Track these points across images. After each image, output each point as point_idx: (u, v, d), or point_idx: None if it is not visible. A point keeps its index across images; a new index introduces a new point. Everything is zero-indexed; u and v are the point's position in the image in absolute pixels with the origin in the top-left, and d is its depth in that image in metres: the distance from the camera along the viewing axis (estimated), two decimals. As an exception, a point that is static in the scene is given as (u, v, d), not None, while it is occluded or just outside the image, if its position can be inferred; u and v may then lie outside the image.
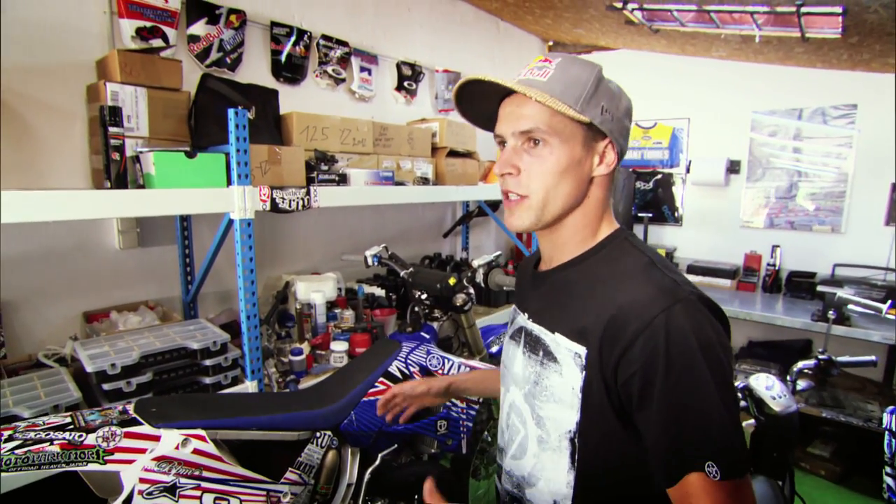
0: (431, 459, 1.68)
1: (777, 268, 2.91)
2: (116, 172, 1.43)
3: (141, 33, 1.78)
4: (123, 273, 1.86)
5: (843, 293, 1.65)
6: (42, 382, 1.35)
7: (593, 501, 0.76)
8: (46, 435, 0.93)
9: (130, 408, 1.08)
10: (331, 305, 2.11)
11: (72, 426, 0.97)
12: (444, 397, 1.26)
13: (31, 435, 0.93)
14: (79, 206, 1.21)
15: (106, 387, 1.34)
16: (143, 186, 1.49)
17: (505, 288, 1.54)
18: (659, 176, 3.66)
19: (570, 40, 3.80)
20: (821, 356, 1.49)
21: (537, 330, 0.80)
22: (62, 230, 1.69)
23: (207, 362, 1.50)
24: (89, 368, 1.33)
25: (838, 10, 1.99)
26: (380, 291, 2.41)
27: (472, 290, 1.66)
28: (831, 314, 2.10)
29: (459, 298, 1.65)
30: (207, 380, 1.51)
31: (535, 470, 0.80)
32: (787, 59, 2.82)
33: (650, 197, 3.70)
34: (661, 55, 3.51)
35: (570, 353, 0.73)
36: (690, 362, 0.64)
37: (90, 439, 0.95)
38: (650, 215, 3.54)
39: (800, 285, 2.88)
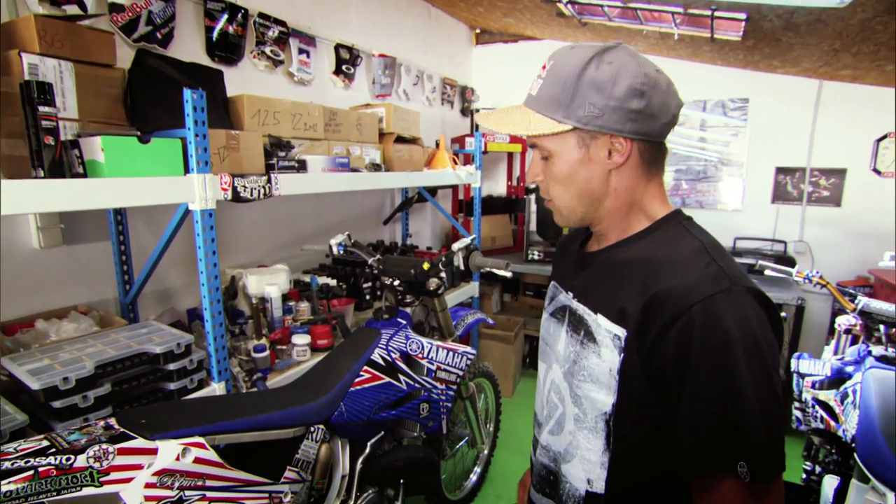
0: (411, 443, 1.70)
1: (690, 242, 3.31)
2: (52, 159, 1.24)
3: (51, -3, 1.54)
4: (45, 276, 1.62)
5: (761, 261, 1.94)
6: (-31, 409, 1.16)
7: (627, 485, 0.75)
8: (26, 463, 0.81)
9: (114, 422, 0.98)
10: (284, 299, 2.02)
11: (53, 449, 0.86)
12: None
13: (7, 465, 0.80)
14: (19, 198, 1.04)
15: (57, 404, 1.18)
16: (82, 175, 1.31)
17: (486, 269, 1.58)
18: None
19: (499, 28, 3.90)
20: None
21: (581, 310, 0.79)
22: (-36, 229, 1.44)
23: (171, 366, 1.37)
24: (35, 385, 1.15)
25: (742, 16, 2.27)
26: (331, 281, 2.35)
27: (444, 275, 1.69)
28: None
29: (433, 283, 1.67)
30: (172, 385, 1.39)
31: (570, 447, 0.80)
32: (696, 56, 3.16)
33: (575, 181, 3.95)
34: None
35: (609, 335, 0.72)
36: (726, 357, 0.61)
37: (80, 461, 0.85)
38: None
39: (708, 257, 3.29)
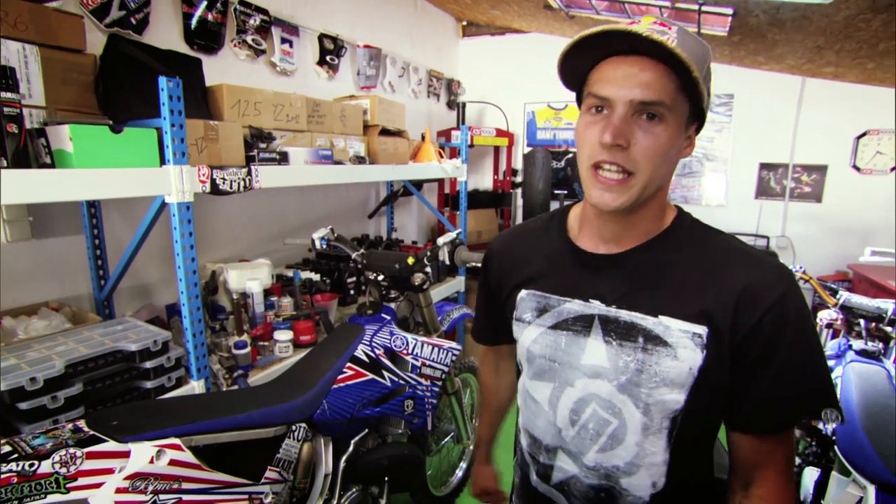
0: (395, 440, 1.67)
1: (674, 237, 3.33)
2: (15, 148, 1.18)
3: (13, -23, 1.46)
4: (13, 271, 1.56)
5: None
6: (-69, 411, 1.10)
7: (682, 469, 0.77)
8: (-14, 468, 0.77)
9: (83, 424, 0.93)
10: (266, 294, 1.98)
11: (16, 455, 0.81)
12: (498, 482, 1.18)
13: (-35, 471, 0.76)
14: (-20, 190, 0.99)
15: (23, 406, 1.13)
16: (49, 165, 1.25)
17: (471, 264, 1.56)
18: (570, 155, 3.91)
19: (486, 21, 3.86)
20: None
21: (628, 315, 0.74)
22: (-73, 221, 1.37)
23: (148, 364, 1.33)
24: (0, 387, 1.11)
25: (729, 11, 2.27)
26: (315, 276, 2.31)
27: (429, 269, 1.66)
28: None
29: (418, 278, 1.64)
30: (148, 384, 1.34)
31: (636, 458, 0.76)
32: (681, 50, 3.16)
33: (562, 175, 3.95)
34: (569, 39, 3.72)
35: (685, 335, 0.71)
36: (809, 331, 0.71)
37: (45, 467, 0.81)
38: (565, 192, 3.79)
39: (692, 252, 3.32)
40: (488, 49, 3.99)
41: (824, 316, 1.77)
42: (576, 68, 0.71)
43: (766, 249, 3.19)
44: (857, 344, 1.63)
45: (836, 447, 1.35)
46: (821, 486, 1.46)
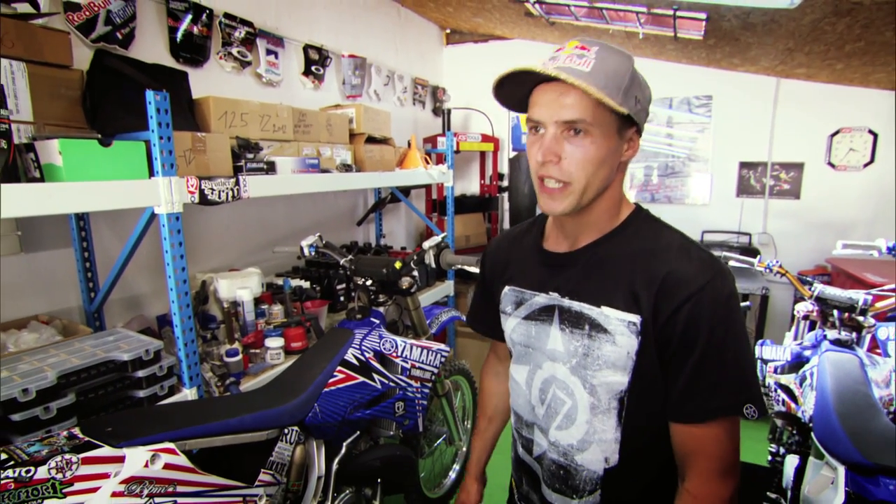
0: (387, 442, 1.70)
1: (658, 237, 3.39)
2: (4, 164, 1.20)
3: (0, -6, 1.49)
4: (2, 285, 1.56)
5: (725, 253, 2.01)
6: (-76, 425, 1.11)
7: (635, 447, 0.83)
8: (-17, 476, 0.79)
9: (77, 431, 0.95)
10: (257, 302, 2.00)
11: (12, 462, 0.83)
12: (483, 483, 1.22)
13: (-37, 479, 0.78)
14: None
15: (16, 417, 1.14)
16: (39, 180, 1.27)
17: (457, 266, 1.59)
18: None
19: (469, 28, 3.92)
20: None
21: (577, 306, 0.82)
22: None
23: (140, 373, 1.35)
24: (-6, 398, 1.12)
25: (703, 15, 2.34)
26: (305, 283, 2.33)
27: (416, 273, 1.69)
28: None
29: (405, 282, 1.67)
30: (141, 393, 1.36)
31: (587, 435, 0.84)
32: (660, 54, 3.24)
33: (547, 179, 4.00)
34: (554, 46, 3.79)
35: (622, 323, 0.78)
36: (731, 324, 0.73)
37: (41, 472, 0.83)
38: (550, 196, 3.84)
39: (677, 250, 3.38)
40: (472, 56, 4.05)
41: (801, 308, 1.83)
42: (516, 94, 0.82)
43: (748, 246, 3.27)
44: (832, 334, 1.69)
45: (812, 433, 1.40)
46: (800, 473, 1.52)
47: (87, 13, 1.68)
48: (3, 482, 0.79)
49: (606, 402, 0.82)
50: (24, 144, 1.27)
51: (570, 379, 0.84)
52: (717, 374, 0.74)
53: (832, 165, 3.22)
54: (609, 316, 0.79)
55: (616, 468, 0.84)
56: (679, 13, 2.30)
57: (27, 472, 0.82)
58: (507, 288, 0.95)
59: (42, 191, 1.14)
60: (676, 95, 3.46)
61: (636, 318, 0.77)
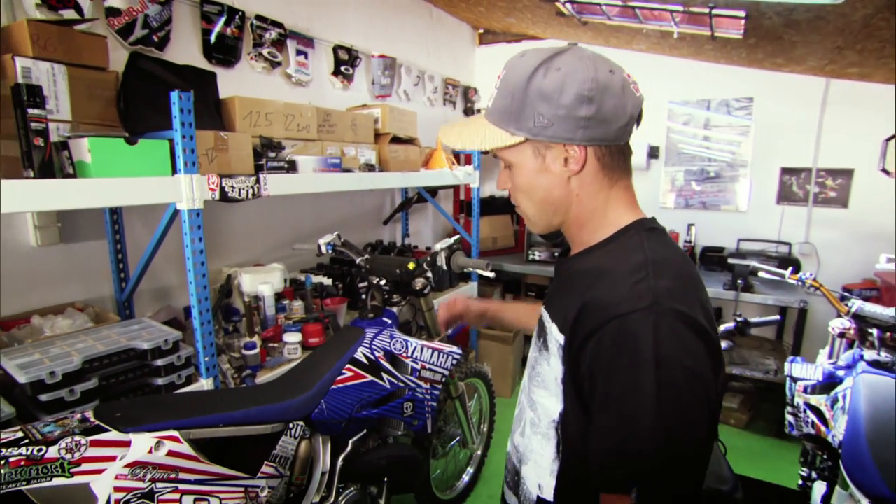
0: (396, 442, 1.71)
1: (692, 244, 3.24)
2: (41, 160, 1.28)
3: (49, 2, 1.59)
4: (43, 273, 1.67)
5: (755, 263, 1.91)
6: (-38, 400, 1.20)
7: (574, 495, 0.74)
8: (-1, 452, 0.85)
9: (90, 415, 1.00)
10: (278, 297, 2.05)
11: (27, 440, 0.89)
12: (480, 321, 1.35)
13: (-20, 454, 0.84)
14: (9, 197, 1.08)
15: (44, 398, 1.22)
16: (72, 175, 1.35)
17: (468, 270, 1.58)
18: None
19: (502, 28, 3.89)
20: (738, 319, 1.71)
21: (545, 317, 0.80)
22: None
23: (159, 362, 1.41)
24: (22, 379, 1.20)
25: (742, 13, 2.23)
26: (327, 281, 2.37)
27: (430, 275, 1.70)
28: (740, 283, 2.40)
29: (419, 283, 1.68)
30: (160, 381, 1.42)
31: (527, 450, 0.82)
32: (698, 54, 3.12)
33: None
34: (588, 45, 3.71)
35: (556, 343, 0.72)
36: (633, 376, 0.59)
37: (52, 452, 0.88)
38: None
39: (712, 259, 3.24)
40: (506, 56, 3.90)
41: (836, 325, 1.72)
42: None
43: (787, 256, 3.09)
44: (870, 354, 1.58)
45: (840, 460, 1.31)
46: (827, 501, 1.42)
47: (127, 17, 1.78)
48: (16, 458, 0.85)
49: (545, 426, 0.76)
50: (59, 142, 1.35)
51: (526, 389, 0.85)
52: (598, 438, 0.63)
53: (886, 172, 3.00)
54: (552, 333, 0.74)
55: (548, 502, 0.76)
56: (716, 11, 2.20)
57: (39, 450, 0.87)
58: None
59: (71, 186, 1.21)
60: (715, 97, 3.31)
61: (562, 340, 0.71)
